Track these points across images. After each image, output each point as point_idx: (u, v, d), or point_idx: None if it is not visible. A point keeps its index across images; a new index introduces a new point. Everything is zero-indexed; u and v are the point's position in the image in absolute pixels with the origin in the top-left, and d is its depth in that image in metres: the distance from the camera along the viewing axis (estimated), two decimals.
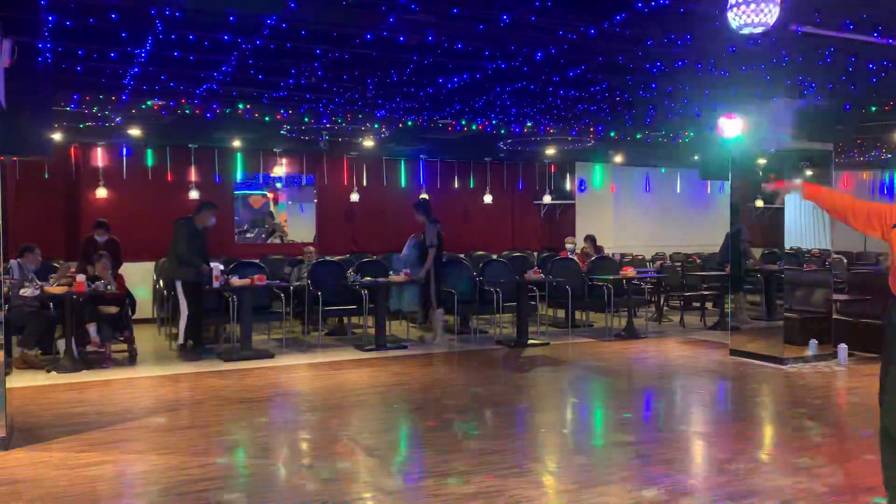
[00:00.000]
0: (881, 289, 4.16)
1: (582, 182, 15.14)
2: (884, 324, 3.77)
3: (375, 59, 6.62)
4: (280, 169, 13.03)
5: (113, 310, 8.34)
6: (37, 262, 8.59)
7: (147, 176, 11.96)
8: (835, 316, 8.58)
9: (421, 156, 13.92)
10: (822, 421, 5.90)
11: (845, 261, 11.73)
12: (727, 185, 9.28)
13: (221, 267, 8.66)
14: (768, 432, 5.82)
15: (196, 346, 8.57)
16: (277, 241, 15.25)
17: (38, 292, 7.85)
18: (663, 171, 15.66)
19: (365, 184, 13.58)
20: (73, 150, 11.50)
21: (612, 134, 11.11)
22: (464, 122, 10.07)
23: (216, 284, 8.39)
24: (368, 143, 11.54)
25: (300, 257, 11.43)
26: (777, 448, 5.30)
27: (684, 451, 5.20)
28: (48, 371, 7.68)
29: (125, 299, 8.67)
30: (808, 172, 8.81)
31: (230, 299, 8.69)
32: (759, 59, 6.64)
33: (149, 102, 8.41)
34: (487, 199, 14.45)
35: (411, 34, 5.85)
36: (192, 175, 12.17)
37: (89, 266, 8.71)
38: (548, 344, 9.52)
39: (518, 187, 15.14)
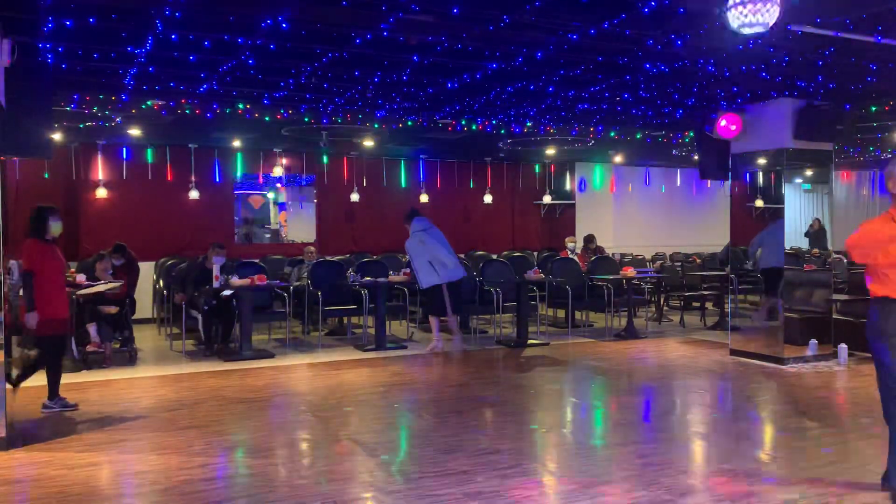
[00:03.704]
0: None
1: (582, 181, 15.14)
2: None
3: (375, 59, 6.61)
4: (280, 169, 13.03)
5: (113, 310, 8.35)
6: None
7: (147, 176, 11.97)
8: (835, 316, 8.58)
9: (421, 156, 13.92)
10: (822, 421, 5.90)
11: (845, 261, 11.71)
12: (727, 184, 9.27)
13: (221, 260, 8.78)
14: (768, 432, 5.82)
15: (207, 346, 8.88)
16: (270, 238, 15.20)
17: None
18: (663, 172, 15.66)
19: (365, 184, 13.58)
20: (73, 150, 11.50)
21: (612, 134, 11.10)
22: (464, 122, 10.07)
23: (215, 284, 8.41)
24: (368, 143, 11.54)
25: (300, 257, 11.44)
26: (777, 448, 5.30)
27: (684, 451, 5.20)
28: None
29: (125, 299, 8.68)
30: (808, 172, 8.82)
31: (233, 300, 8.72)
32: (759, 59, 6.64)
33: (149, 102, 8.40)
34: (487, 199, 14.45)
35: (411, 34, 5.85)
36: (192, 175, 12.18)
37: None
38: (548, 344, 9.52)
39: (518, 187, 15.14)
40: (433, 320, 9.13)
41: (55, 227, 6.13)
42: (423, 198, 13.93)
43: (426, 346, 9.28)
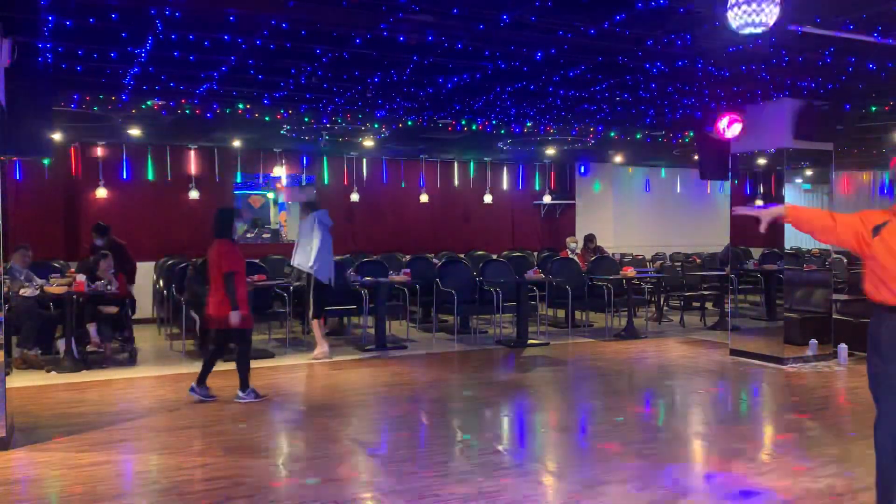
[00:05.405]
0: None
1: (584, 166, 15.06)
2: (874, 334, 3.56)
3: (375, 59, 6.62)
4: (280, 169, 13.04)
5: (113, 310, 8.34)
6: (25, 262, 8.45)
7: (147, 176, 11.96)
8: (835, 316, 8.58)
9: (421, 156, 13.92)
10: (822, 421, 5.90)
11: (845, 261, 11.72)
12: (727, 185, 9.27)
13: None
14: (768, 432, 5.82)
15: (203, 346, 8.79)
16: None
17: (37, 292, 7.85)
18: (663, 172, 15.66)
19: (365, 184, 13.59)
20: (73, 150, 11.49)
21: (612, 134, 11.10)
22: (464, 122, 10.07)
23: None
24: (368, 143, 11.54)
25: None
26: (777, 448, 5.30)
27: (684, 451, 5.20)
28: (48, 371, 7.67)
29: (125, 299, 8.67)
30: (808, 172, 8.82)
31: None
32: (759, 59, 6.64)
33: (149, 102, 8.41)
34: (487, 199, 14.46)
35: (411, 34, 5.85)
36: (192, 175, 12.18)
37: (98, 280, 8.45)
38: (548, 344, 9.52)
39: (518, 187, 15.14)
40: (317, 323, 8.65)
41: (240, 228, 6.25)
42: (424, 198, 13.93)
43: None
